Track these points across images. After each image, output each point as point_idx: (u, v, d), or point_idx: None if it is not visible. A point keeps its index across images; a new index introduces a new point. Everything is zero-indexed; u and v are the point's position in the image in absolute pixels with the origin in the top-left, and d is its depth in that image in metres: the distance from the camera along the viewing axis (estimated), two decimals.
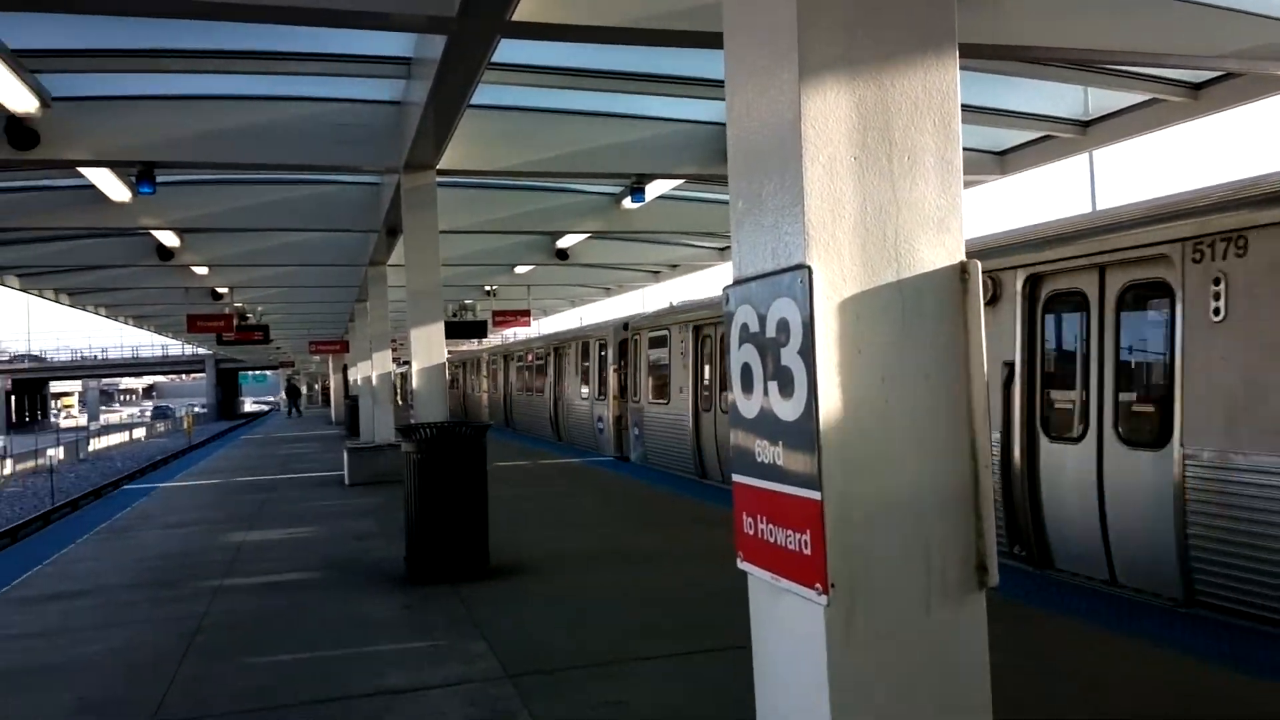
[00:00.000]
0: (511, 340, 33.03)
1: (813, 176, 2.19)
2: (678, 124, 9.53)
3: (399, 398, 29.16)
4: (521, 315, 23.69)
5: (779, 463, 2.45)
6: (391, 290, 16.08)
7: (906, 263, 2.31)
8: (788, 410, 2.37)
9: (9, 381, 42.49)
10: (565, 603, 6.60)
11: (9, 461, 32.81)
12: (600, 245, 16.82)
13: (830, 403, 2.25)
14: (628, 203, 11.49)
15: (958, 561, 2.38)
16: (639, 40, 6.11)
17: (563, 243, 16.10)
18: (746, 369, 2.57)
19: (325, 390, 55.88)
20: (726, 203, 11.28)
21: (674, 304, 15.77)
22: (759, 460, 2.56)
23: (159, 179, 8.92)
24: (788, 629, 2.48)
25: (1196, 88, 8.56)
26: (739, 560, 2.73)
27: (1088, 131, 9.95)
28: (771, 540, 2.53)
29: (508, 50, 6.52)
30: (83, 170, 9.53)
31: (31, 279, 18.19)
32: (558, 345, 20.92)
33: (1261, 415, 5.17)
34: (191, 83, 8.20)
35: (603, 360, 17.48)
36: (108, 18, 6.75)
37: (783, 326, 2.35)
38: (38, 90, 7.47)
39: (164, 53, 7.32)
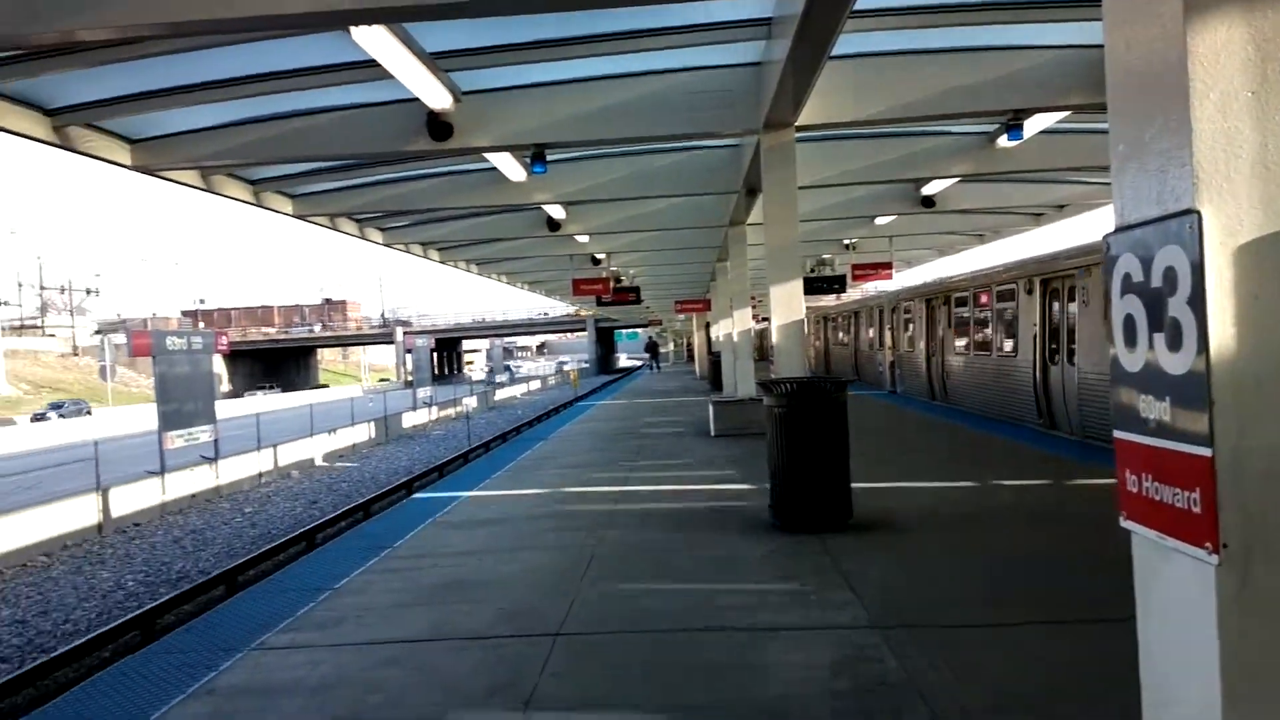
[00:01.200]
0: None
1: (1202, 116, 2.02)
2: (1058, 50, 8.72)
3: (760, 353, 30.08)
4: (883, 268, 23.16)
5: (1165, 419, 2.31)
6: (750, 249, 16.56)
7: None
8: (1175, 364, 2.23)
9: (433, 341, 50.12)
10: (929, 559, 6.55)
11: (435, 409, 38.70)
12: (971, 189, 15.90)
13: (1223, 355, 2.08)
14: (1003, 141, 10.76)
15: None
16: None
17: (929, 189, 15.47)
18: (1129, 321, 2.43)
19: (689, 347, 58.92)
20: None
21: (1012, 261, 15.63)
22: (1144, 416, 2.43)
23: (549, 158, 10.00)
24: (1175, 591, 2.34)
25: None
26: (1122, 519, 2.61)
27: None
28: (1158, 498, 2.40)
29: None
30: (487, 155, 10.98)
31: (448, 252, 21.34)
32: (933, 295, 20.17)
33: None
34: (574, 68, 9.06)
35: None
36: (504, 18, 7.70)
37: (1169, 275, 2.20)
38: (451, 88, 8.75)
39: (552, 43, 8.17)
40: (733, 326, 17.99)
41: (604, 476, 11.45)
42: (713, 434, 15.06)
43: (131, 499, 17.10)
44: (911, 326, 21.31)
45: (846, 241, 22.22)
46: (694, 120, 9.24)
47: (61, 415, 53.87)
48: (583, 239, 18.29)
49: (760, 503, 8.20)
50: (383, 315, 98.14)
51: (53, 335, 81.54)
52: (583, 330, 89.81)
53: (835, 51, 7.38)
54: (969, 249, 25.51)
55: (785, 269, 8.99)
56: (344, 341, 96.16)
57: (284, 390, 72.32)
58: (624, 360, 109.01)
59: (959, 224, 20.92)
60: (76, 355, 77.32)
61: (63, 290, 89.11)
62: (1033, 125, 10.37)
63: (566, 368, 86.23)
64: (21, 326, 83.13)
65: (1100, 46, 7.15)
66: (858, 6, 6.49)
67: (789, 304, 8.90)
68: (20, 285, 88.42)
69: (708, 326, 35.39)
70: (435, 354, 68.85)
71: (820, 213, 16.01)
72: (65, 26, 6.10)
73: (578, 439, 16.48)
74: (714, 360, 27.76)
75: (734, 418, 14.84)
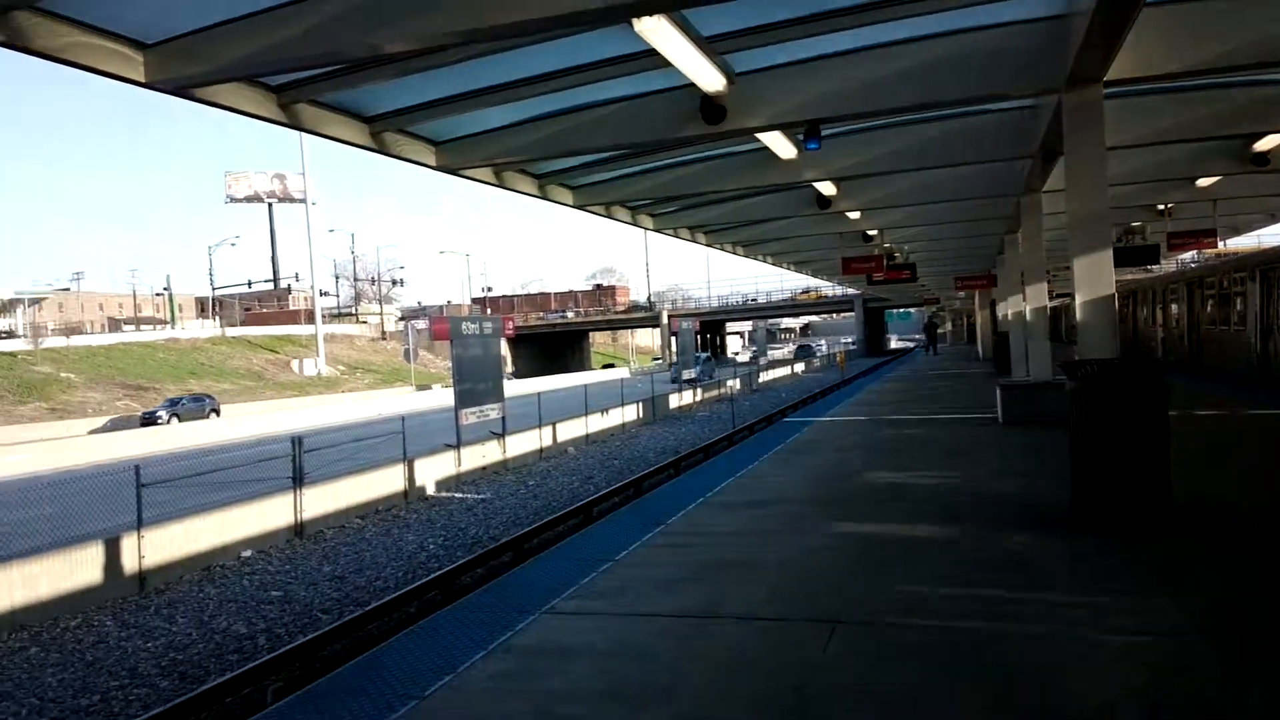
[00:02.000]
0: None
1: None
2: None
3: (1059, 333, 27.52)
4: (1205, 236, 20.44)
5: None
6: (1046, 219, 15.21)
7: None
8: None
9: (697, 323, 51.08)
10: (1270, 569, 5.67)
11: (700, 390, 39.44)
12: None
13: None
14: None
15: None
16: None
17: (1262, 145, 13.40)
18: None
19: (969, 326, 55.64)
20: None
21: None
22: None
23: (823, 133, 9.71)
24: None
25: None
26: None
27: None
28: None
29: None
30: (758, 135, 10.87)
31: (715, 235, 21.51)
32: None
33: None
34: (850, 39, 8.70)
35: None
36: None
37: None
38: (725, 70, 8.72)
39: (829, 14, 7.89)
40: (1024, 303, 16.65)
41: (876, 463, 11.04)
42: (1000, 421, 14.07)
43: (431, 469, 18.92)
44: None
45: (1161, 207, 19.80)
46: (985, 82, 8.57)
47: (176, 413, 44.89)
48: (854, 215, 17.71)
49: (1057, 498, 7.49)
50: (649, 299, 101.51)
51: (364, 322, 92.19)
52: (850, 310, 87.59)
53: None
54: None
55: (1091, 240, 8.10)
56: (613, 325, 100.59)
57: (559, 372, 77.05)
58: (894, 342, 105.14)
59: None
60: (385, 340, 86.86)
61: (373, 281, 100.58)
62: None
63: (822, 350, 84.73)
64: (338, 314, 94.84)
65: None
66: None
67: (1096, 278, 8.02)
68: (337, 278, 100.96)
69: (992, 304, 33.09)
70: (699, 336, 70.30)
71: (1129, 176, 14.34)
72: (374, 40, 6.75)
73: (847, 424, 16.07)
74: (1000, 341, 25.94)
75: (1024, 404, 13.77)
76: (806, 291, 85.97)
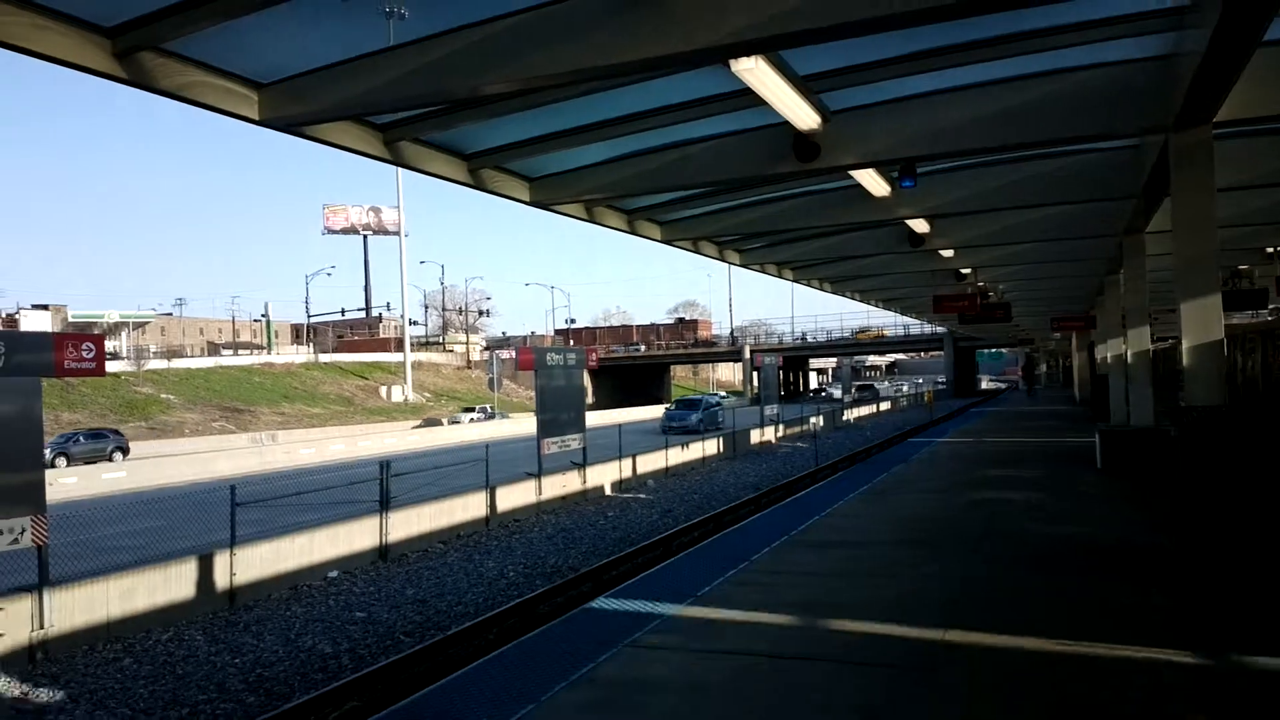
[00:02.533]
0: None
1: None
2: None
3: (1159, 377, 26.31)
4: None
5: None
6: (1149, 260, 14.68)
7: None
8: None
9: (780, 359, 50.63)
10: None
11: (781, 426, 38.98)
12: None
13: None
14: None
15: None
16: None
17: None
18: None
19: (1065, 369, 53.83)
20: None
21: None
22: None
23: (918, 171, 9.62)
24: None
25: None
26: None
27: None
28: None
29: None
30: (851, 173, 10.81)
31: (802, 271, 21.40)
32: None
33: None
34: (949, 77, 8.63)
35: None
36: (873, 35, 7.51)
37: None
38: (820, 108, 8.73)
39: (928, 53, 7.85)
40: (1124, 347, 16.05)
41: (967, 507, 10.72)
42: (1099, 466, 13.54)
43: (512, 497, 19.11)
44: None
45: (1270, 250, 18.91)
46: (1088, 122, 8.38)
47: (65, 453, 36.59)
48: (947, 253, 17.41)
49: (1162, 546, 7.14)
50: (731, 333, 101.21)
51: (450, 351, 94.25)
52: (939, 349, 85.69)
53: (1271, 34, 6.29)
54: None
55: (1199, 283, 7.81)
56: (694, 359, 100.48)
57: (640, 404, 77.16)
58: (985, 383, 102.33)
59: None
60: (469, 368, 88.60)
61: (460, 312, 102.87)
62: None
63: (909, 390, 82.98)
64: (426, 343, 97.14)
65: None
66: None
67: (1204, 322, 7.70)
68: (426, 308, 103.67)
69: (1090, 346, 31.97)
70: (782, 371, 69.57)
71: (1236, 219, 13.78)
72: (476, 81, 7.00)
73: (935, 465, 15.67)
74: (1098, 384, 25.01)
75: (1125, 450, 13.21)
76: (865, 330, 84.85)
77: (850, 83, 8.52)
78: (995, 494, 11.99)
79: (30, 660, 9.50)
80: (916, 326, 71.39)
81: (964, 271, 19.86)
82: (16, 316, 71.66)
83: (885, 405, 63.40)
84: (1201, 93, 7.03)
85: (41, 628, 9.72)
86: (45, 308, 74.65)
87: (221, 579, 11.97)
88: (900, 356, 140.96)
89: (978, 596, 6.58)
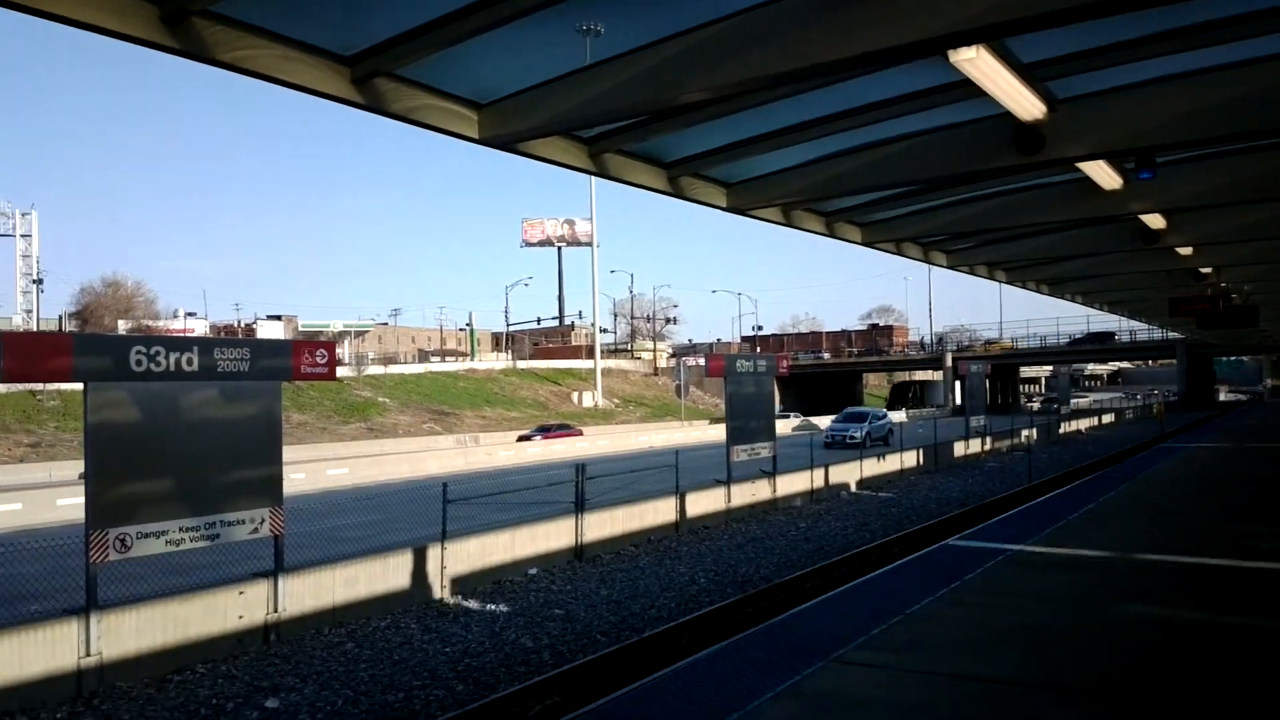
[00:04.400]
0: None
1: None
2: None
3: None
4: None
5: None
6: None
7: None
8: None
9: (988, 367, 47.77)
10: None
11: (989, 439, 36.78)
12: None
13: None
14: None
15: None
16: None
17: None
18: None
19: None
20: None
21: None
22: None
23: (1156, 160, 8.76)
24: None
25: None
26: None
27: None
28: None
29: None
30: (1078, 165, 9.99)
31: (1017, 272, 20.12)
32: None
33: None
34: (1193, 59, 7.79)
35: None
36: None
37: None
38: (1046, 96, 8.11)
39: (1167, 34, 7.11)
40: None
41: (1203, 536, 9.62)
42: None
43: (701, 504, 19.05)
44: None
45: None
46: None
47: None
48: (1184, 251, 15.80)
49: None
50: (931, 339, 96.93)
51: (638, 358, 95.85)
52: (1170, 357, 78.14)
53: None
54: None
55: None
56: (890, 366, 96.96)
57: (831, 412, 75.38)
58: (1224, 394, 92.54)
59: None
60: (656, 375, 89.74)
61: (648, 319, 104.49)
62: None
63: (1140, 401, 76.15)
64: (615, 350, 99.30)
65: None
66: None
67: None
68: (615, 315, 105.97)
69: None
70: (987, 380, 65.89)
71: None
72: (677, 92, 7.01)
73: (1165, 486, 14.23)
74: None
75: None
76: (1077, 337, 78.36)
77: (1080, 69, 7.87)
78: (1236, 520, 10.71)
79: (264, 640, 10.33)
80: (1144, 332, 65.61)
81: (1204, 271, 17.99)
82: (254, 326, 79.62)
83: (1109, 418, 58.76)
84: None
85: (276, 611, 10.54)
86: (278, 318, 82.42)
87: (434, 571, 12.63)
88: (1125, 365, 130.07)
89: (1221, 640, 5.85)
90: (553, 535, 14.99)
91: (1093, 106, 8.45)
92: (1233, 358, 78.16)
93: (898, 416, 57.27)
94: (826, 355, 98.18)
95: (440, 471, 31.04)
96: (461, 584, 12.90)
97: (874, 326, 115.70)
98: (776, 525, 19.17)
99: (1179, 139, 8.47)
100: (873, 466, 27.01)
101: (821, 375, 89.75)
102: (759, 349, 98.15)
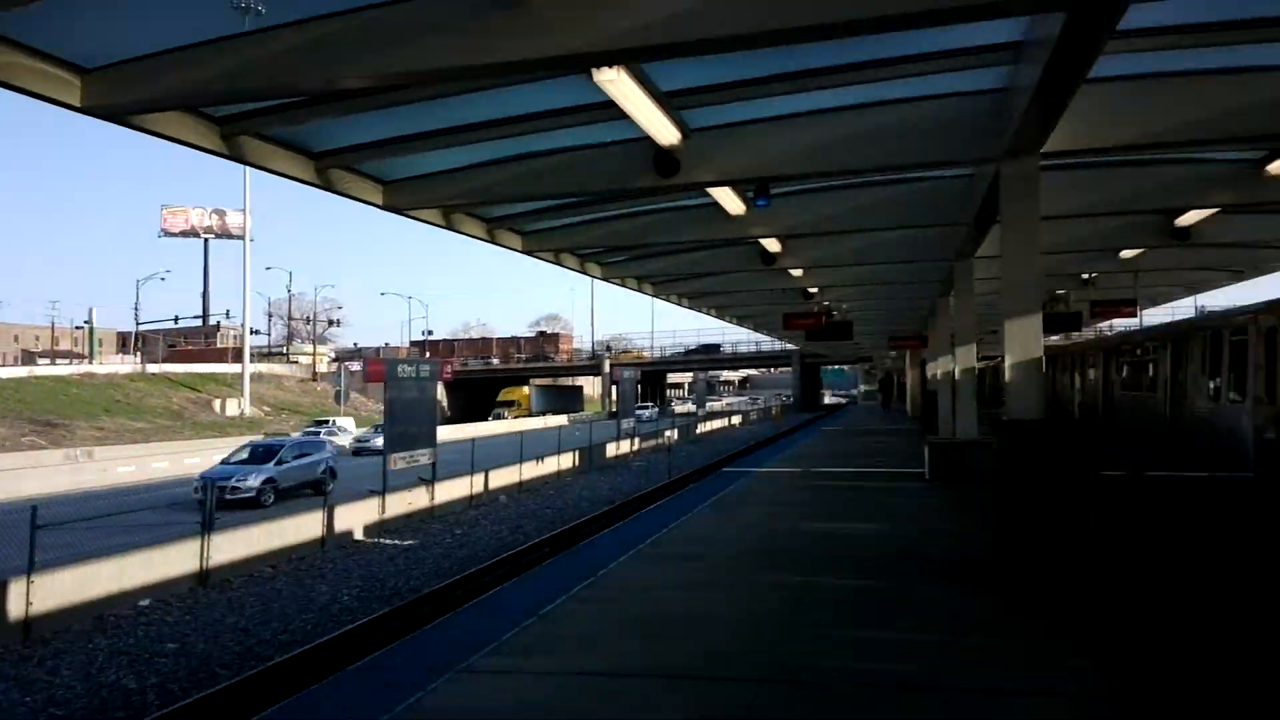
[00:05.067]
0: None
1: None
2: None
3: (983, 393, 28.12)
4: (1125, 305, 21.22)
5: None
6: (977, 283, 15.60)
7: None
8: None
9: (639, 373, 50.92)
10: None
11: (638, 440, 39.22)
12: (1231, 220, 14.21)
13: None
14: (1274, 167, 9.48)
15: None
16: None
17: (1184, 220, 13.96)
18: None
19: (899, 385, 56.83)
20: None
21: None
22: None
23: (771, 191, 9.80)
24: None
25: None
26: None
27: None
28: None
29: (1132, 13, 5.80)
30: (709, 190, 10.93)
31: (662, 286, 21.60)
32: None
33: None
34: (806, 100, 8.84)
35: None
36: (736, 55, 7.61)
37: None
38: (681, 124, 8.77)
39: (787, 76, 8.00)
40: (953, 364, 16.98)
41: (809, 516, 11.00)
42: (927, 477, 14.21)
43: (352, 516, 18.23)
44: None
45: (1085, 276, 20.50)
46: (930, 150, 8.79)
47: None
48: (796, 273, 17.93)
49: (981, 551, 7.50)
50: (593, 348, 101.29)
51: (295, 362, 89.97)
52: (787, 365, 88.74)
53: (1092, 73, 6.73)
54: (1223, 286, 22.93)
55: (1022, 305, 8.28)
56: (554, 372, 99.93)
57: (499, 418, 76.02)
58: (829, 398, 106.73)
59: (1214, 259, 18.80)
60: (315, 381, 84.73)
61: (307, 321, 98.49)
62: None
63: (763, 404, 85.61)
64: (268, 353, 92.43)
65: None
66: (1119, 27, 5.89)
67: (1026, 342, 8.17)
68: (270, 316, 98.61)
69: (923, 364, 33.82)
70: (640, 385, 70.23)
71: (1057, 246, 14.81)
72: (330, 74, 6.60)
73: (781, 476, 16.08)
74: (928, 399, 26.38)
75: (951, 461, 13.94)
76: (704, 347, 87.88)
77: (710, 101, 8.58)
78: (835, 501, 12.37)
79: None
80: (768, 343, 73.67)
81: (811, 290, 20.55)
82: None
83: (736, 419, 65.04)
84: (1030, 126, 7.46)
85: None
86: None
87: (16, 609, 10.82)
88: (752, 372, 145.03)
89: (815, 599, 6.70)
90: (173, 560, 13.48)
91: (720, 138, 9.26)
92: (836, 367, 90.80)
93: (558, 421, 58.87)
94: (496, 361, 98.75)
95: (40, 493, 26.73)
96: (54, 621, 11.19)
97: (542, 334, 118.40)
98: (433, 534, 18.88)
99: (791, 172, 9.55)
100: (532, 470, 27.60)
101: (490, 381, 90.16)
102: (428, 354, 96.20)
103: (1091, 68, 6.34)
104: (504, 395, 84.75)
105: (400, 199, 11.13)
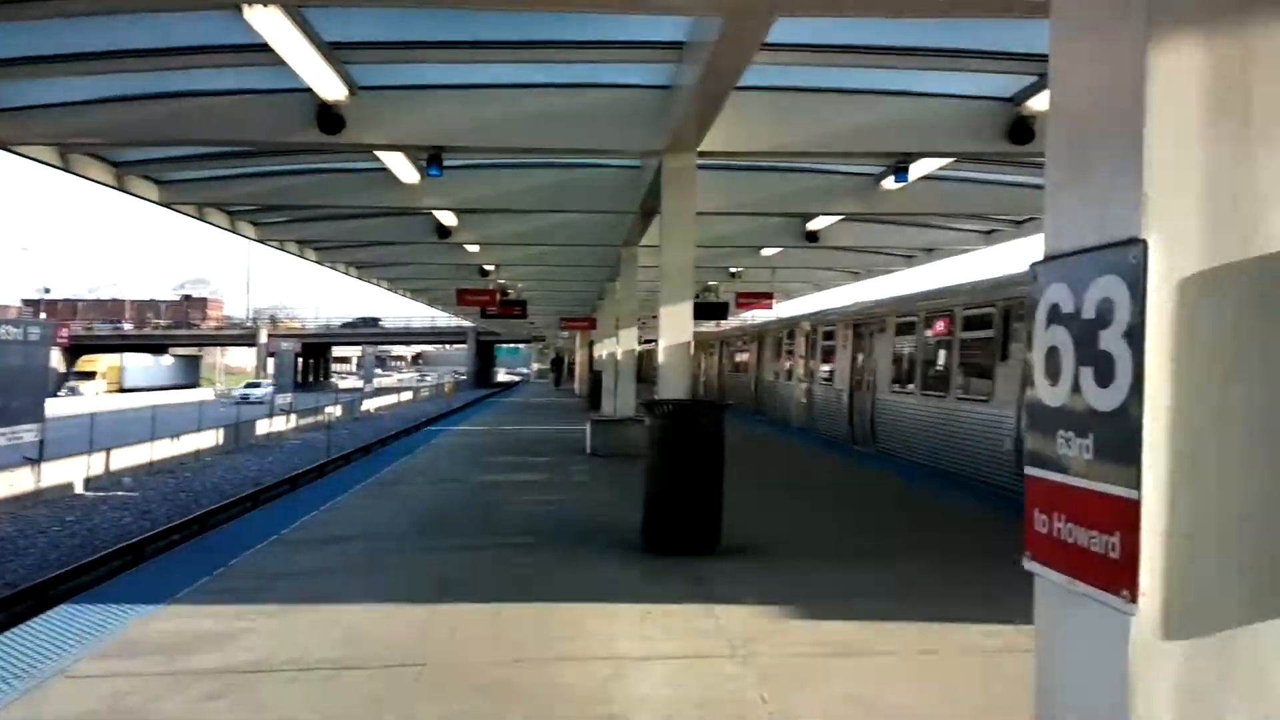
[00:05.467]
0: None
1: (1155, 142, 1.97)
2: (955, 99, 9.04)
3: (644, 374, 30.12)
4: (764, 298, 23.65)
5: (1088, 456, 2.24)
6: (641, 271, 16.58)
7: (1258, 242, 2.03)
8: (1104, 399, 2.16)
9: (299, 345, 48.00)
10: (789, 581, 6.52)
11: (294, 416, 36.97)
12: (852, 228, 16.37)
13: (1158, 394, 2.03)
14: (889, 183, 11.07)
15: None
16: (917, 13, 5.84)
17: (814, 225, 15.84)
18: (1053, 352, 2.37)
19: (570, 365, 58.98)
20: (998, 183, 10.63)
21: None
22: (1061, 453, 2.36)
23: (446, 162, 9.66)
24: (1083, 638, 2.28)
25: None
26: (1025, 559, 2.54)
27: None
28: (1070, 540, 2.32)
29: (779, 28, 6.45)
30: (379, 154, 10.52)
31: (327, 253, 20.48)
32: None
33: None
34: (483, 72, 8.79)
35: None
36: (410, 12, 7.39)
37: (1105, 307, 2.14)
38: (347, 79, 8.33)
39: (462, 44, 7.89)
40: (617, 346, 17.93)
41: (471, 494, 11.06)
42: (588, 452, 14.87)
43: None
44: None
45: (733, 270, 22.58)
46: (602, 137, 9.14)
47: None
48: (472, 249, 17.86)
49: (633, 523, 8.01)
50: (251, 316, 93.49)
51: None
52: (463, 342, 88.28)
53: (744, 81, 7.40)
54: (844, 284, 26.35)
55: (677, 291, 8.95)
56: (200, 341, 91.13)
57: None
58: (503, 375, 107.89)
59: (837, 260, 21.58)
60: None
61: None
62: (917, 170, 10.69)
63: (436, 380, 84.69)
64: None
65: (994, 99, 7.36)
66: (768, 40, 6.52)
67: (678, 326, 8.86)
68: None
69: (590, 345, 35.33)
70: (301, 359, 66.27)
71: (710, 240, 16.15)
72: None
73: (448, 453, 15.96)
74: (594, 379, 27.63)
75: (611, 437, 14.69)
76: (363, 320, 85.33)
77: (380, 59, 8.27)
78: (498, 476, 12.57)
79: None
80: (444, 319, 72.77)
81: (487, 268, 20.61)
82: None
83: (407, 395, 63.50)
84: (689, 124, 8.06)
85: None
86: None
87: None
88: (427, 348, 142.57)
89: (469, 573, 6.77)
90: None
91: (391, 99, 8.94)
92: (511, 345, 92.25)
93: (207, 393, 53.76)
94: (128, 326, 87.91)
95: None
96: None
97: (188, 298, 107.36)
98: (38, 522, 16.44)
99: (464, 144, 9.46)
100: (166, 448, 25.03)
101: (121, 348, 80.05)
102: (45, 315, 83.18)
103: (743, 73, 6.95)
104: (83, 365, 72.32)
105: (5, 132, 9.48)
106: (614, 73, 8.74)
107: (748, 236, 17.04)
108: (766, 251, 19.54)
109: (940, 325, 13.76)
